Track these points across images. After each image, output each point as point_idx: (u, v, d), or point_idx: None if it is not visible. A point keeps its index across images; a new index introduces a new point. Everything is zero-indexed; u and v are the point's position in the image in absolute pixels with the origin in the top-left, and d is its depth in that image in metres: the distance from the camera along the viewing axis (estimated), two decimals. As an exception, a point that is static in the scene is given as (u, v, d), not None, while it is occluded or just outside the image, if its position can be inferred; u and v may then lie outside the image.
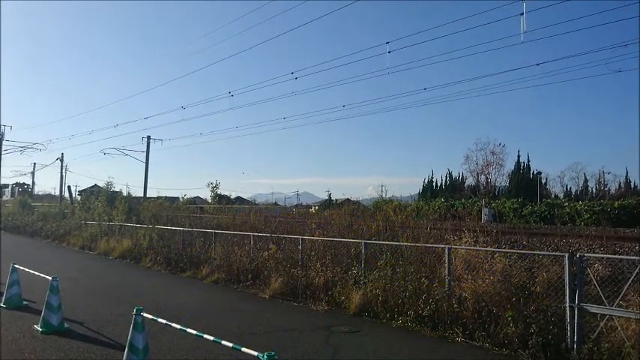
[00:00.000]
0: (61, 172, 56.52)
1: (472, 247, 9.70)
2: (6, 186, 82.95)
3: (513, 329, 7.23)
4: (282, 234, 13.76)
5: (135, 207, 27.18)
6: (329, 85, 57.67)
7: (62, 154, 57.13)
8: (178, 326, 5.07)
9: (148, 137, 43.32)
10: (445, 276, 8.82)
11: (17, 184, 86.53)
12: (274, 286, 11.55)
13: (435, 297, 8.58)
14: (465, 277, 8.80)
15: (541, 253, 8.96)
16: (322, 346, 7.59)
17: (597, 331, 6.69)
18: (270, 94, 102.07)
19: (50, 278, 8.22)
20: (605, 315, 6.73)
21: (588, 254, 7.87)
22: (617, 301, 6.64)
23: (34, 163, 66.16)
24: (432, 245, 9.96)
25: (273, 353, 3.82)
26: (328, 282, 10.80)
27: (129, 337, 5.41)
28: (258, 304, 10.91)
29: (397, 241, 11.06)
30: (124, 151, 45.34)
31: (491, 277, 8.39)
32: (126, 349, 5.41)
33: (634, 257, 7.06)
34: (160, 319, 5.32)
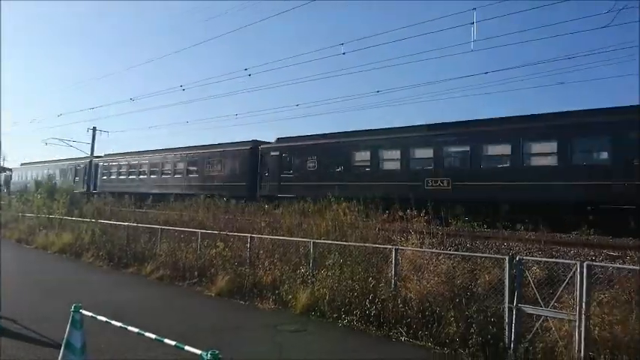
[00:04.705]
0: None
1: (418, 249, 9.90)
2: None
3: (455, 329, 7.44)
4: (231, 232, 13.60)
5: (77, 200, 26.21)
6: (284, 82, 57.46)
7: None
8: (119, 324, 4.93)
9: (94, 128, 41.91)
10: (392, 276, 8.97)
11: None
12: (221, 284, 11.40)
13: (381, 297, 8.71)
14: (411, 277, 8.98)
15: (483, 255, 9.25)
16: (268, 345, 7.57)
17: (533, 332, 6.97)
18: (224, 89, 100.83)
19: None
20: (540, 316, 7.01)
21: (527, 257, 8.20)
22: (552, 303, 6.93)
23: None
24: (379, 246, 10.10)
25: (217, 352, 3.77)
26: (276, 280, 10.77)
27: (66, 335, 5.22)
28: (204, 302, 10.75)
29: (346, 241, 11.15)
30: (68, 142, 43.73)
31: (436, 278, 8.60)
32: (62, 348, 5.21)
33: (569, 261, 7.40)
34: (99, 317, 5.15)
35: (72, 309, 5.28)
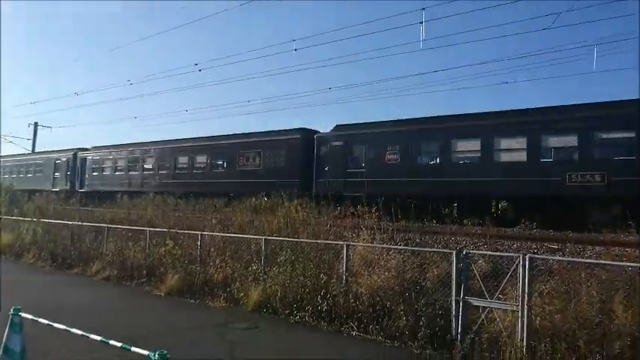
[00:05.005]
0: None
1: (369, 244, 10.03)
2: None
3: (405, 322, 7.59)
4: (181, 229, 13.35)
5: (17, 199, 25.07)
6: (234, 79, 56.77)
7: None
8: (62, 326, 4.74)
9: (35, 124, 40.21)
10: (343, 272, 9.05)
11: None
12: (170, 283, 11.18)
13: (333, 292, 8.77)
14: (362, 272, 9.09)
15: (432, 250, 9.46)
16: (218, 343, 7.48)
17: (479, 323, 7.20)
18: (174, 84, 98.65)
19: None
20: (486, 307, 7.25)
21: (473, 251, 8.46)
22: (496, 295, 7.18)
23: None
24: (331, 242, 10.16)
25: (165, 352, 3.69)
26: (228, 278, 10.66)
27: (4, 340, 4.98)
28: (153, 302, 10.52)
29: (298, 237, 11.16)
30: (7, 138, 41.76)
31: (386, 273, 8.75)
32: (0, 353, 4.96)
33: (512, 254, 7.69)
34: (41, 319, 4.94)
35: (11, 311, 5.05)
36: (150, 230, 13.59)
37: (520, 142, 18.49)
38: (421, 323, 7.39)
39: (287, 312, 9.09)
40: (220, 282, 10.67)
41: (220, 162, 28.79)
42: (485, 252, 8.99)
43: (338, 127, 24.30)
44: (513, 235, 13.54)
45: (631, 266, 7.04)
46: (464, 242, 11.60)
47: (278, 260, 10.09)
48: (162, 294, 11.07)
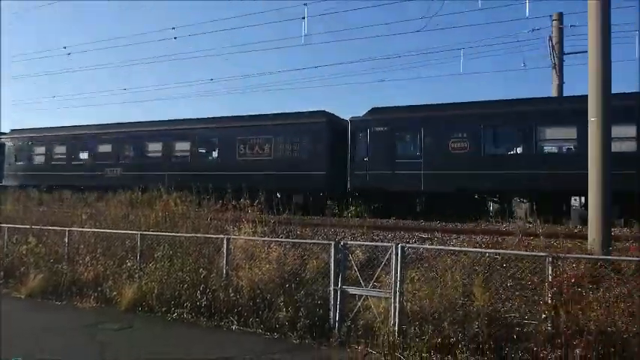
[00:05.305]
0: None
1: (250, 237, 9.99)
2: None
3: (285, 313, 7.65)
4: (46, 225, 12.27)
5: None
6: (107, 65, 53.56)
7: None
8: None
9: None
10: (223, 266, 8.91)
11: None
12: (32, 284, 10.23)
13: (213, 287, 8.60)
14: (243, 266, 9.02)
15: (312, 241, 9.65)
16: (87, 346, 7.01)
17: (355, 310, 7.47)
18: (43, 68, 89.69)
19: None
20: (362, 295, 7.55)
21: (351, 242, 8.77)
22: (371, 283, 7.50)
23: None
24: (211, 236, 9.95)
25: (19, 359, 3.36)
26: (99, 277, 9.99)
27: None
28: (12, 305, 9.56)
29: (177, 231, 10.78)
30: None
31: (268, 266, 8.75)
32: None
33: (386, 244, 8.07)
34: None
35: None
36: (8, 227, 12.34)
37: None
38: (300, 314, 7.50)
39: (164, 309, 8.74)
40: (91, 281, 9.98)
41: (209, 150, 24.29)
42: (362, 242, 9.36)
43: (377, 111, 19.98)
44: (389, 225, 14.27)
45: (488, 252, 7.73)
46: (343, 234, 11.98)
47: (155, 256, 9.66)
48: (23, 296, 10.12)
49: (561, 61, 21.71)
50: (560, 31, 21.64)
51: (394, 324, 6.95)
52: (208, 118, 24.47)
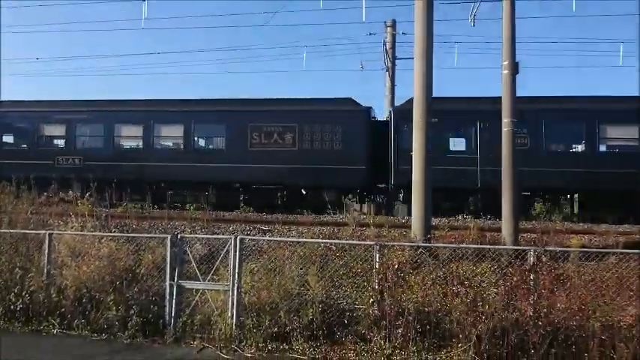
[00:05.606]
0: None
1: (78, 233, 9.20)
2: None
3: (115, 313, 7.18)
4: None
5: None
6: None
7: None
8: None
9: None
10: (45, 265, 8.07)
11: None
12: None
13: (31, 288, 7.74)
14: (69, 264, 8.26)
15: (148, 235, 9.17)
16: None
17: (192, 305, 7.27)
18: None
19: None
20: (199, 289, 7.37)
21: (188, 235, 8.51)
22: (209, 276, 7.37)
23: None
24: (30, 232, 8.95)
25: None
26: None
27: None
28: None
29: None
30: None
31: (97, 262, 8.11)
32: None
33: (225, 236, 7.98)
34: None
35: None
36: None
37: None
38: (132, 312, 7.10)
39: (-32, 318, 7.64)
40: None
41: (211, 137, 20.63)
42: (200, 235, 9.15)
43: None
44: (231, 218, 14.18)
45: (323, 242, 8.08)
46: (182, 227, 11.61)
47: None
48: None
49: (394, 65, 23.52)
50: (394, 37, 23.43)
51: (232, 316, 6.92)
52: (210, 99, 20.75)
